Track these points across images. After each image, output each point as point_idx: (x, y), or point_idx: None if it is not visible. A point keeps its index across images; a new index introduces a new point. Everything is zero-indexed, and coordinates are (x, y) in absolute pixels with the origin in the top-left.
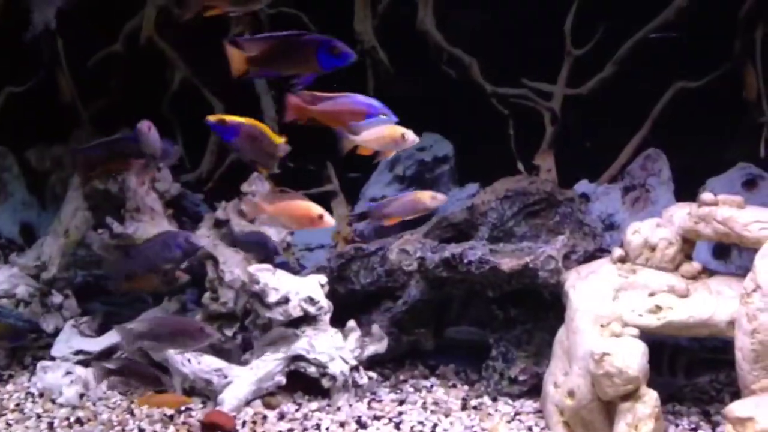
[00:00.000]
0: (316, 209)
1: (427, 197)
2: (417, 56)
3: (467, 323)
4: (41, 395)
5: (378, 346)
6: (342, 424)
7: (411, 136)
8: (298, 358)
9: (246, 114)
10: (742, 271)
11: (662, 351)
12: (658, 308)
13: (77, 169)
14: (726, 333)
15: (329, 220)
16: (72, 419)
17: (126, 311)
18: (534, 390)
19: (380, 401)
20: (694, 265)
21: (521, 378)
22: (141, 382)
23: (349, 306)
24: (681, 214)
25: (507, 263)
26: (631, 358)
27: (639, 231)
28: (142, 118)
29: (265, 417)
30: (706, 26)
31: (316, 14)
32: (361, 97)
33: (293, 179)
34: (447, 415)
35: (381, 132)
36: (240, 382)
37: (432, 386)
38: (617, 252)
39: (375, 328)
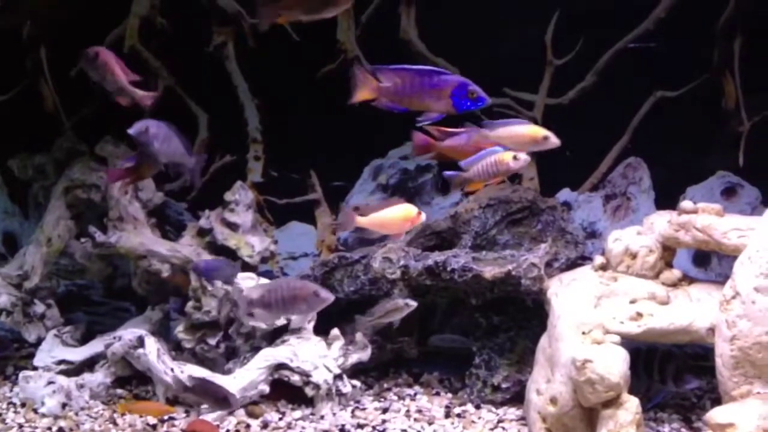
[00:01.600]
0: (412, 209)
1: (509, 157)
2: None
3: (450, 331)
4: (23, 405)
5: (361, 355)
6: None
7: (554, 139)
8: (282, 366)
9: (231, 124)
10: (722, 278)
11: (653, 357)
12: (639, 315)
13: (111, 184)
14: (706, 340)
15: (424, 216)
16: (54, 429)
17: (109, 320)
18: (517, 397)
19: (364, 409)
20: (675, 273)
21: (504, 385)
22: (210, 402)
23: (332, 314)
24: (661, 221)
25: (490, 271)
26: (613, 365)
27: (620, 239)
28: (126, 126)
29: (248, 426)
30: (685, 36)
31: (299, 24)
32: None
33: (277, 188)
34: (431, 423)
35: (521, 131)
36: None
37: (416, 394)
38: (599, 260)
39: (358, 336)
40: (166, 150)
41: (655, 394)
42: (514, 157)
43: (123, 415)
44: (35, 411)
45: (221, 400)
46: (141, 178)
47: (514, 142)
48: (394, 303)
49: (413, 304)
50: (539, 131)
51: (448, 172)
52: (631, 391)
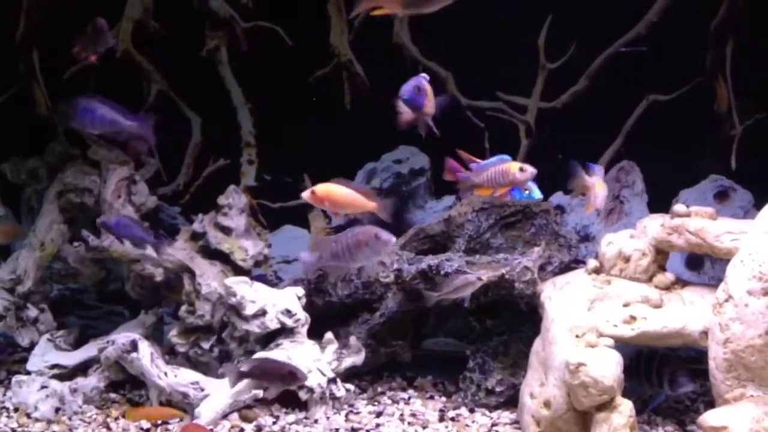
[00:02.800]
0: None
1: (516, 168)
2: (393, 69)
3: (444, 335)
4: (16, 410)
5: (355, 358)
6: None
7: (598, 200)
8: None
9: (224, 128)
10: (715, 281)
11: (652, 361)
12: (633, 318)
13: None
14: (699, 343)
15: None
16: None
17: (102, 324)
18: (511, 401)
19: (358, 413)
20: (668, 276)
21: (498, 389)
22: (275, 380)
23: (326, 318)
24: (654, 225)
25: (483, 275)
26: (607, 368)
27: (613, 242)
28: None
29: (242, 430)
30: (677, 40)
31: (293, 28)
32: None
33: (270, 191)
34: (424, 427)
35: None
36: (217, 395)
37: (409, 398)
38: (592, 263)
39: (352, 340)
40: (90, 122)
41: (655, 398)
42: (521, 169)
43: (135, 420)
44: (28, 416)
45: (287, 376)
46: (137, 152)
47: (589, 189)
48: (465, 278)
49: (485, 279)
50: (599, 188)
51: (462, 174)
52: (630, 395)
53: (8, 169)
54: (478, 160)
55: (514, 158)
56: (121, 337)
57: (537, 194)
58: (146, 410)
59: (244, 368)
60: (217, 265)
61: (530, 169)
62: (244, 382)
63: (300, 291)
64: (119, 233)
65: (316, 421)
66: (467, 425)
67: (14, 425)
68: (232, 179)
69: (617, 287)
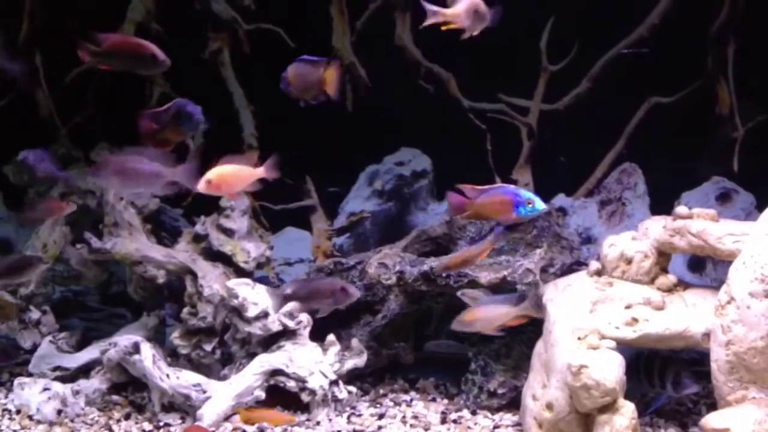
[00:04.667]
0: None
1: (483, 250)
2: (395, 72)
3: (446, 337)
4: (18, 412)
5: (357, 360)
6: None
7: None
8: (278, 372)
9: (226, 130)
10: (717, 283)
11: (653, 362)
12: (635, 320)
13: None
14: (702, 345)
15: None
16: None
17: (104, 326)
18: (513, 403)
19: (360, 415)
20: (670, 278)
21: (500, 391)
22: (325, 300)
23: (328, 320)
24: (656, 227)
25: (485, 276)
26: (609, 370)
27: (615, 244)
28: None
29: None
30: (679, 42)
31: (295, 30)
32: (511, 187)
33: (273, 194)
34: (426, 429)
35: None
36: (219, 397)
37: (411, 400)
38: (594, 265)
39: (354, 342)
40: None
41: (656, 399)
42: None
43: (247, 422)
44: (30, 418)
45: (338, 292)
46: (165, 142)
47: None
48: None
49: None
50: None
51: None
52: (631, 396)
53: (11, 171)
54: (479, 187)
55: (516, 161)
56: (124, 339)
57: (540, 206)
58: (261, 412)
59: (288, 291)
60: (219, 267)
61: (484, 246)
62: (247, 385)
63: None
64: (35, 166)
65: (318, 423)
66: (469, 427)
67: (16, 427)
68: None
69: (619, 289)
